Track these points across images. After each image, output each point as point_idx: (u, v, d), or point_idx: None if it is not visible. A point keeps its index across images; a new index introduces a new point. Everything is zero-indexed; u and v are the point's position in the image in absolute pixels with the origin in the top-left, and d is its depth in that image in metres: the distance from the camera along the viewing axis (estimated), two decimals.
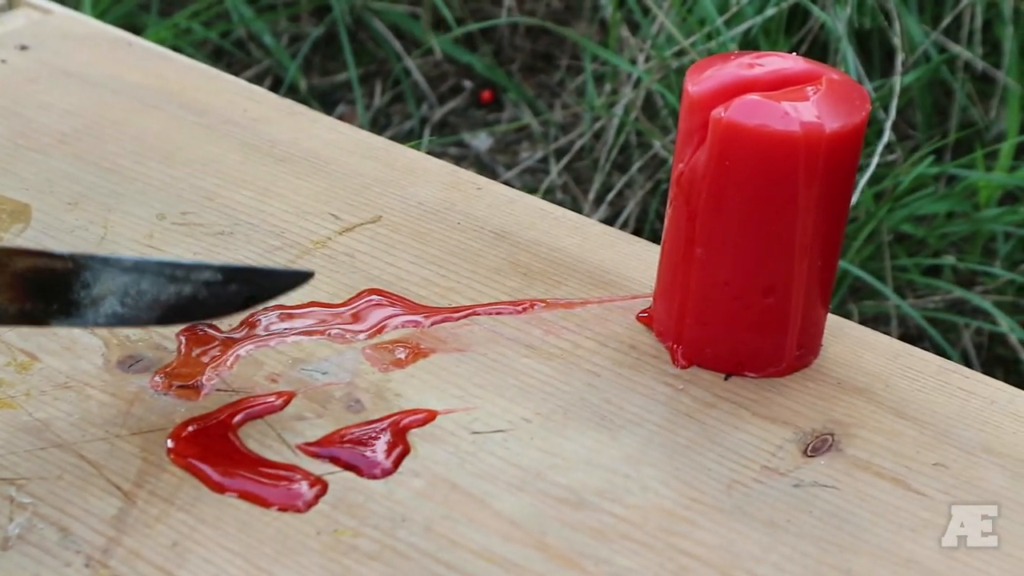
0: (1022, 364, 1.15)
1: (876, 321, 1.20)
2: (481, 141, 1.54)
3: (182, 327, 0.63)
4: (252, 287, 0.60)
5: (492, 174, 1.46)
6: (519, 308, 0.67)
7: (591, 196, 1.36)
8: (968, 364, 1.17)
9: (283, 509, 0.55)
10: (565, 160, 1.41)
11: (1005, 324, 1.13)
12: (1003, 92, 1.26)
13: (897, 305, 1.12)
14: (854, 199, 1.15)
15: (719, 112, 0.60)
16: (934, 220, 1.20)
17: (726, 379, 0.64)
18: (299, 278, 0.61)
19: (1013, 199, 1.25)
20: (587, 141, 1.43)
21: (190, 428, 0.58)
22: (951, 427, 0.62)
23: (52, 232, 0.69)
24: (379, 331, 0.65)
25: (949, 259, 1.16)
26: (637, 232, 1.32)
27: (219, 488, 0.55)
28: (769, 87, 0.62)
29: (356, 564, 0.53)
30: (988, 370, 1.18)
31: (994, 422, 0.62)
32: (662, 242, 0.65)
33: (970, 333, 1.18)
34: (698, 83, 0.62)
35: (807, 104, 0.60)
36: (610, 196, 1.34)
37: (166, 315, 0.58)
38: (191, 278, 0.58)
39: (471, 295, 0.67)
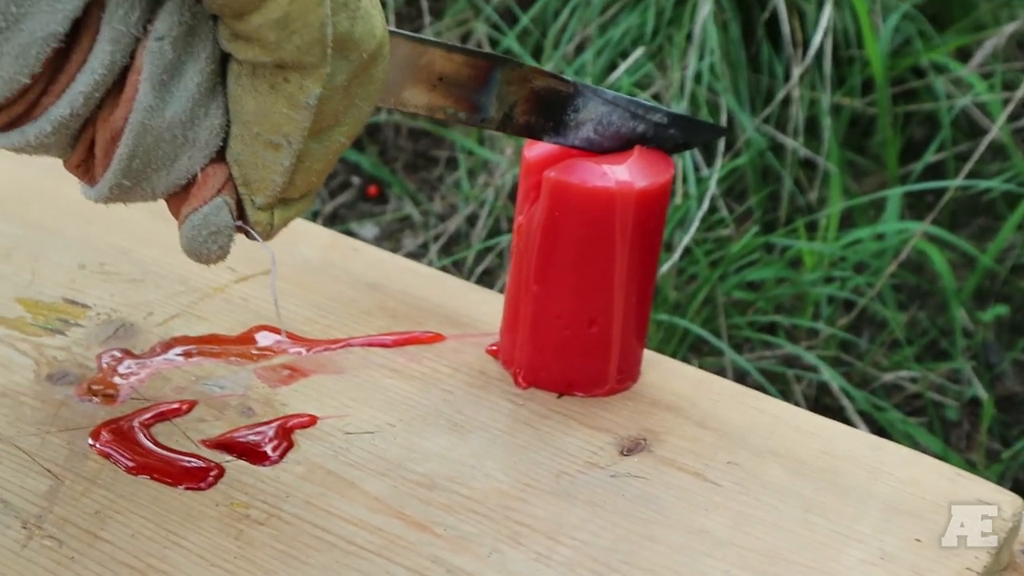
0: (845, 410, 1.30)
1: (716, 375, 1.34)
2: (368, 231, 1.68)
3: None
4: (685, 134, 0.74)
5: None
6: (387, 341, 0.79)
7: (464, 274, 1.49)
8: None
9: (188, 488, 0.66)
10: (441, 241, 1.55)
11: (827, 374, 1.28)
12: (824, 176, 1.44)
13: (733, 360, 1.26)
14: (676, 258, 1.30)
15: (550, 172, 0.73)
16: (764, 286, 1.36)
17: (559, 397, 0.76)
18: (716, 132, 0.79)
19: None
20: (462, 226, 1.56)
21: (110, 426, 0.69)
22: (744, 435, 0.75)
23: None
24: (269, 356, 0.77)
25: (777, 317, 1.31)
26: None
27: (134, 471, 0.67)
28: (591, 154, 0.75)
29: (248, 528, 0.65)
30: None
31: (779, 432, 0.76)
32: (507, 284, 0.78)
33: (802, 386, 1.32)
34: (532, 150, 0.75)
35: (621, 167, 0.74)
36: (479, 271, 1.47)
37: (620, 146, 0.73)
38: (647, 117, 0.73)
39: (346, 331, 0.80)
